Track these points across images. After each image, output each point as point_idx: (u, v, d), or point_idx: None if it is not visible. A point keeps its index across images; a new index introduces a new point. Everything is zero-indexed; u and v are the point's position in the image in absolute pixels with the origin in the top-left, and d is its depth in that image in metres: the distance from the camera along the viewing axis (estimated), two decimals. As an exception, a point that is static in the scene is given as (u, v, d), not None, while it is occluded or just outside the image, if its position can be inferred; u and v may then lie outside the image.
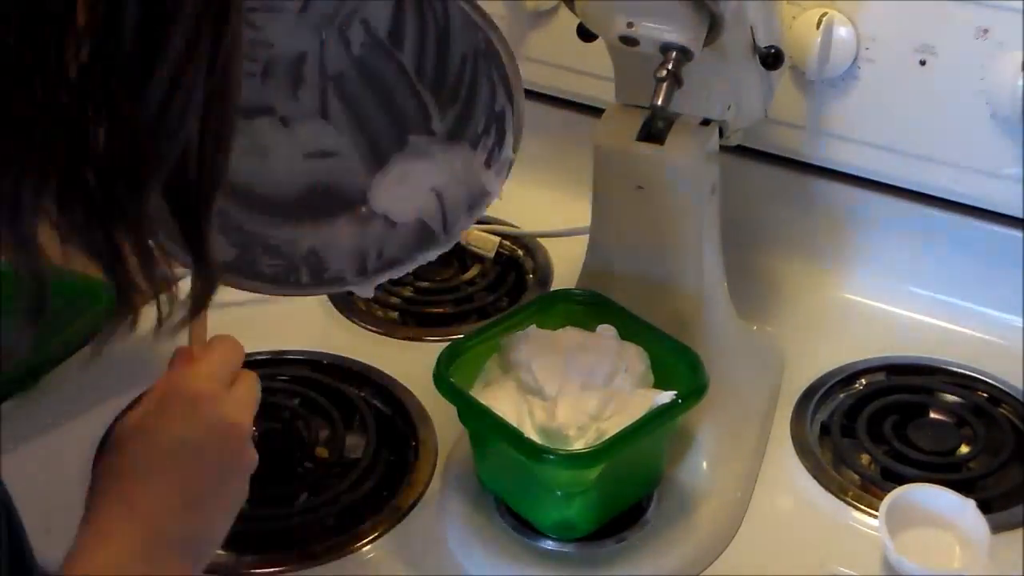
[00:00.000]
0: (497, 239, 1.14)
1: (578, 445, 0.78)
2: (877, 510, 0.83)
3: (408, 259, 0.83)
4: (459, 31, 0.80)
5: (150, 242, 0.55)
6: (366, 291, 0.84)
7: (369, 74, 0.84)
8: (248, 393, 0.72)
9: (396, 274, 0.84)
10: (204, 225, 0.58)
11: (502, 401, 0.81)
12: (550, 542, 0.82)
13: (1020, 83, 0.93)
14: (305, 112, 0.85)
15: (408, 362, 0.99)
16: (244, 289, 0.83)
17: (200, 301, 0.62)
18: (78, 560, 0.63)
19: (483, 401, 0.81)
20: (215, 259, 0.61)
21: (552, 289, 1.08)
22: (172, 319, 0.61)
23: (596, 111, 0.93)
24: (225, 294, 1.04)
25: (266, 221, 0.85)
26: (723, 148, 0.91)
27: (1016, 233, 1.01)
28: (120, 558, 0.63)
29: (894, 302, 1.06)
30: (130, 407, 0.77)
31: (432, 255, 0.83)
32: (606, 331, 0.85)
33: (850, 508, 0.88)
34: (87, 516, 0.66)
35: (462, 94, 0.83)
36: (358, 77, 0.84)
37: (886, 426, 0.93)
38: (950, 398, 0.96)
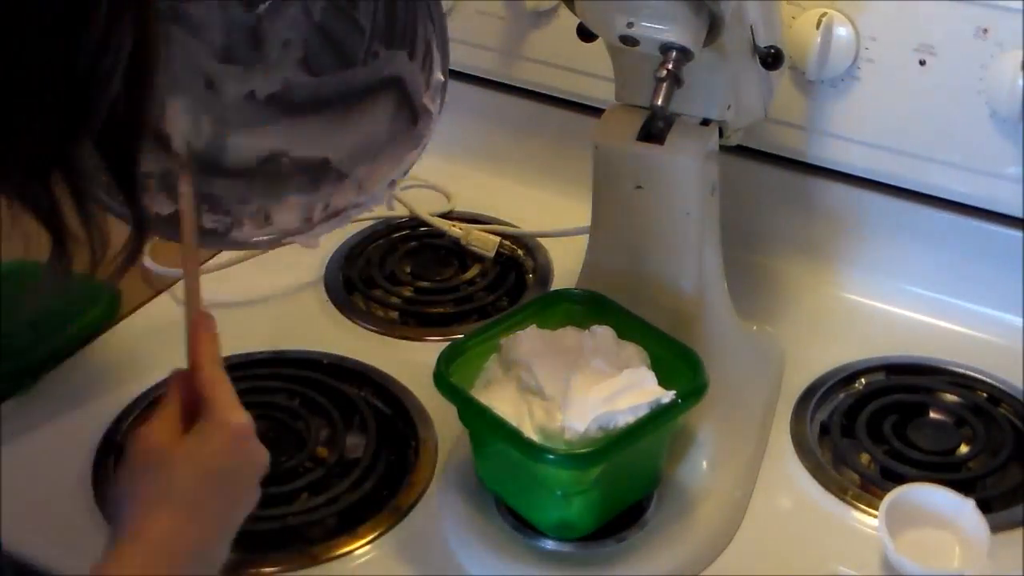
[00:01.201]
0: (497, 239, 1.14)
1: (578, 445, 0.78)
2: (877, 510, 0.84)
3: (352, 206, 0.85)
4: None
5: (85, 192, 0.60)
6: (311, 243, 0.85)
7: (328, 36, 0.86)
8: (224, 395, 0.72)
9: (341, 224, 0.86)
10: (134, 171, 0.63)
11: (502, 401, 0.81)
12: (550, 542, 0.82)
13: (1020, 83, 0.93)
14: (266, 82, 0.87)
15: (408, 362, 0.99)
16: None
17: (136, 247, 0.66)
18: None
19: (483, 401, 0.81)
20: (147, 206, 0.65)
21: (552, 289, 1.08)
22: (106, 262, 0.64)
23: (596, 111, 0.93)
24: (225, 294, 1.05)
25: (220, 182, 0.86)
26: (723, 148, 0.91)
27: (1016, 233, 1.01)
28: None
29: (894, 302, 1.06)
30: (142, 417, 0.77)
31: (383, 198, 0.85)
32: (604, 331, 0.85)
33: (850, 508, 0.88)
34: (112, 532, 0.69)
35: (404, 36, 0.85)
36: (318, 40, 0.86)
37: (886, 426, 0.93)
38: (950, 398, 0.96)
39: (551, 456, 0.77)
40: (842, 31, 0.98)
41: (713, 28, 0.80)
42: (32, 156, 0.57)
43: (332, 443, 0.92)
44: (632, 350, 0.84)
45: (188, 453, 0.69)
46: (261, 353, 1.00)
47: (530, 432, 0.79)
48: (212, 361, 0.73)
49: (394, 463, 0.91)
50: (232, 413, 0.71)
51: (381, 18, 0.86)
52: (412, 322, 1.07)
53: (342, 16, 0.86)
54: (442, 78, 0.83)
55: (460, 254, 1.14)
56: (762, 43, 0.87)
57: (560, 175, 1.17)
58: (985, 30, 0.94)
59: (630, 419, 0.78)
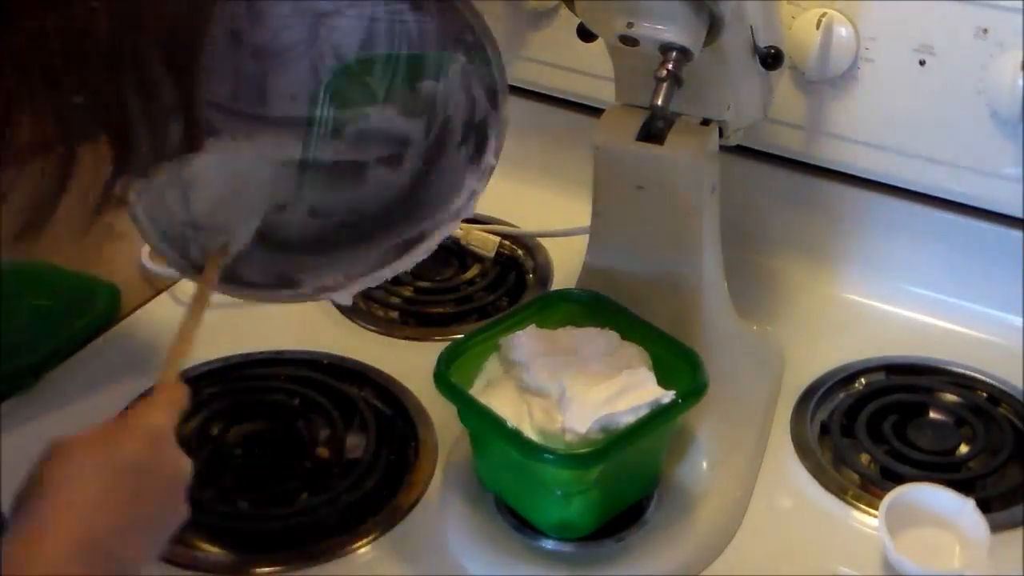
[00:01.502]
0: (497, 239, 1.14)
1: (578, 445, 0.78)
2: (877, 510, 0.84)
3: (388, 269, 0.84)
4: (433, 50, 0.81)
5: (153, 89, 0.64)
6: (343, 299, 0.85)
7: (334, 96, 0.85)
8: (166, 396, 0.72)
9: (374, 282, 0.85)
10: (194, 68, 0.66)
11: (502, 401, 0.81)
12: (550, 542, 0.82)
13: (1020, 83, 0.93)
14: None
15: (408, 362, 0.99)
16: (226, 293, 0.85)
17: (187, 145, 0.69)
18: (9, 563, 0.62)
19: (483, 401, 0.81)
20: (201, 114, 0.68)
21: (552, 289, 1.08)
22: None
23: (596, 111, 0.93)
24: (225, 295, 1.04)
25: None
26: (723, 148, 0.91)
27: (1016, 233, 1.01)
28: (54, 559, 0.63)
29: (894, 302, 1.06)
30: None
31: (413, 262, 0.84)
32: (606, 332, 0.85)
33: (850, 508, 0.88)
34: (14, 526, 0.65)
35: (429, 112, 0.84)
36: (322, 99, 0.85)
37: (886, 426, 0.93)
38: (950, 398, 0.96)
39: (551, 456, 0.77)
40: (842, 31, 0.98)
41: (713, 28, 0.80)
42: (103, 52, 0.60)
43: (332, 443, 0.92)
44: (633, 351, 0.84)
45: (91, 443, 0.67)
46: (261, 353, 1.00)
47: (530, 432, 0.78)
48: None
49: (394, 463, 0.91)
50: (150, 414, 0.70)
51: (399, 84, 0.84)
52: (412, 322, 1.07)
53: (352, 79, 0.85)
54: (494, 162, 0.82)
55: (460, 254, 1.14)
56: (762, 43, 0.87)
57: (560, 175, 1.17)
58: (985, 30, 0.94)
59: (630, 419, 0.78)
